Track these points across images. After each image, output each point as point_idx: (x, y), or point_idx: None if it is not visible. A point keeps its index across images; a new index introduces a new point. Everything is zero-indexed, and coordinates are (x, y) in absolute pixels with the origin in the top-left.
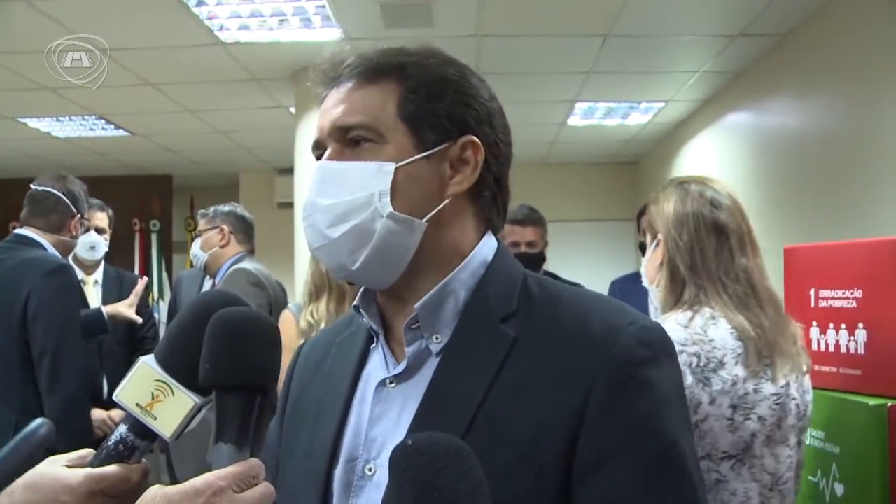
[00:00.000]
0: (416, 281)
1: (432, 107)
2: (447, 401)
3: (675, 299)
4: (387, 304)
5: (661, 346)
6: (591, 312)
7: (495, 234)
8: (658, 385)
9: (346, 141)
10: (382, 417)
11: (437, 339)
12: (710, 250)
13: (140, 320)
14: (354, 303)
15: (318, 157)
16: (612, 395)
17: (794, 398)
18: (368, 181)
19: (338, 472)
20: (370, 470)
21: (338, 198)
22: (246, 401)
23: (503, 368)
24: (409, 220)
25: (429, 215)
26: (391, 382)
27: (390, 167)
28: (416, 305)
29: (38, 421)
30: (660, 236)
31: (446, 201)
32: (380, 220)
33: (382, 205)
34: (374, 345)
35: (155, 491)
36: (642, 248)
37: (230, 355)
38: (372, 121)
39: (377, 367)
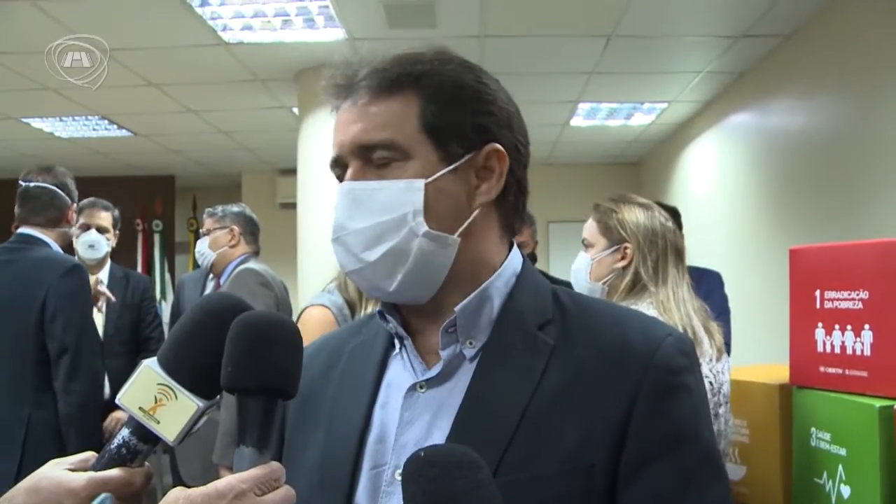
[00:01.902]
0: (447, 296)
1: (454, 117)
2: (489, 407)
3: (624, 296)
4: (412, 311)
5: (693, 355)
6: (629, 323)
7: (515, 236)
8: (694, 391)
9: (369, 158)
10: (413, 423)
11: (471, 343)
12: (671, 267)
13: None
14: (378, 308)
15: (339, 176)
16: (657, 400)
17: (706, 376)
18: (400, 200)
19: (362, 480)
20: (400, 476)
21: (370, 220)
22: (267, 404)
23: (545, 375)
24: (443, 237)
25: (460, 229)
26: (422, 387)
27: (420, 184)
28: (457, 308)
29: (102, 496)
30: (628, 245)
31: (475, 213)
32: (415, 240)
33: (417, 224)
34: (395, 351)
35: (177, 493)
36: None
37: (253, 358)
38: (395, 137)
39: (400, 372)
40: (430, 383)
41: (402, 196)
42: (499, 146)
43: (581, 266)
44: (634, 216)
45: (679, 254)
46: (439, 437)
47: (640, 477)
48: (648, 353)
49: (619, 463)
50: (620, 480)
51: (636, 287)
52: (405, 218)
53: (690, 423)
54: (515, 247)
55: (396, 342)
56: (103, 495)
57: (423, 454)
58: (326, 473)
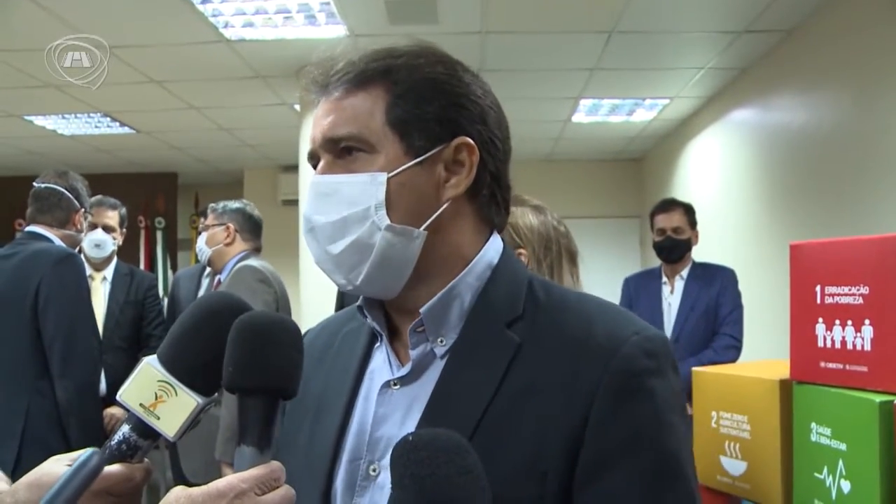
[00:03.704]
0: (420, 288)
1: (421, 111)
2: (453, 405)
3: None
4: (391, 306)
5: (664, 356)
6: (596, 321)
7: (499, 233)
8: (660, 395)
9: (338, 151)
10: (387, 419)
11: (441, 342)
12: (566, 273)
13: None
14: (358, 303)
15: (315, 167)
16: (614, 403)
17: None
18: (363, 194)
19: (341, 471)
20: (374, 471)
21: (334, 213)
22: (268, 404)
23: (508, 374)
24: (407, 230)
25: (427, 223)
26: (395, 384)
27: (382, 178)
28: (422, 310)
29: (89, 451)
30: (522, 251)
31: (444, 206)
32: (378, 233)
33: (379, 217)
34: (377, 344)
35: (178, 492)
36: (660, 249)
37: (254, 359)
38: (360, 131)
39: (381, 366)
40: (403, 381)
41: (365, 189)
42: (468, 140)
43: None
44: (528, 221)
45: (572, 257)
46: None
47: (594, 484)
48: (609, 353)
49: (575, 468)
50: (575, 487)
51: None
52: (368, 211)
53: (649, 429)
54: (494, 238)
55: (377, 336)
56: (90, 450)
57: (411, 438)
58: (311, 461)
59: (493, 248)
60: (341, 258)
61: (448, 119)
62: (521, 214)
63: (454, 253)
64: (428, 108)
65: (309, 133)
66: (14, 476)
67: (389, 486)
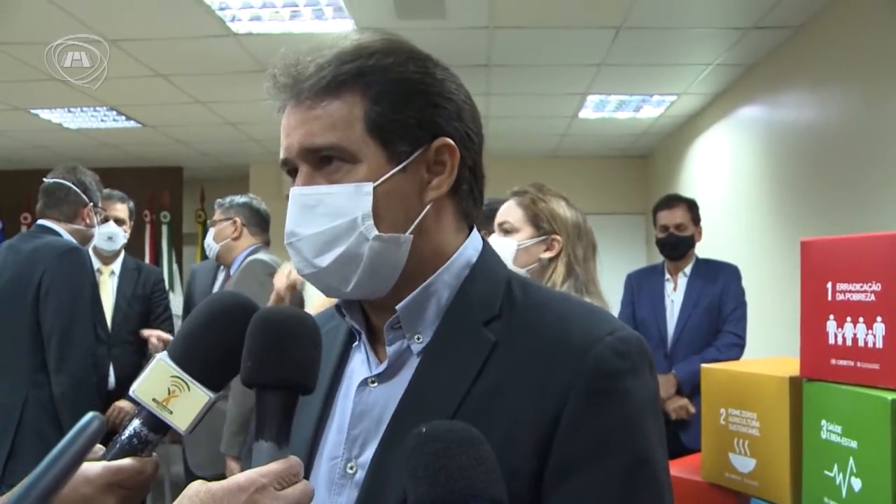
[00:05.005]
0: (404, 288)
1: (400, 116)
2: (425, 403)
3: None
4: (370, 305)
5: (638, 356)
6: (573, 321)
7: (477, 228)
8: (633, 397)
9: (317, 161)
10: (364, 417)
11: (418, 339)
12: (591, 262)
13: None
14: (336, 302)
15: (289, 173)
16: (586, 404)
17: None
18: (349, 205)
19: (321, 471)
20: (352, 469)
21: (320, 226)
22: (286, 399)
23: (482, 373)
24: (395, 237)
25: (412, 227)
26: (373, 382)
27: (368, 188)
28: (398, 306)
29: (90, 415)
30: (556, 237)
31: (427, 207)
32: (366, 244)
33: (367, 228)
34: (356, 343)
35: (198, 486)
36: (662, 245)
37: (273, 354)
38: (341, 141)
39: (359, 365)
40: (381, 378)
41: (350, 201)
42: (449, 140)
43: (505, 252)
44: (562, 209)
45: (594, 251)
46: None
47: (563, 485)
48: (582, 354)
49: (545, 469)
50: (544, 487)
51: (571, 277)
52: (355, 222)
53: (622, 430)
54: (473, 236)
55: (356, 335)
56: (91, 414)
57: (424, 430)
58: None
59: (473, 245)
60: (330, 270)
61: (427, 120)
62: (555, 202)
63: (436, 252)
64: (406, 111)
65: None
66: (8, 466)
67: (368, 484)
